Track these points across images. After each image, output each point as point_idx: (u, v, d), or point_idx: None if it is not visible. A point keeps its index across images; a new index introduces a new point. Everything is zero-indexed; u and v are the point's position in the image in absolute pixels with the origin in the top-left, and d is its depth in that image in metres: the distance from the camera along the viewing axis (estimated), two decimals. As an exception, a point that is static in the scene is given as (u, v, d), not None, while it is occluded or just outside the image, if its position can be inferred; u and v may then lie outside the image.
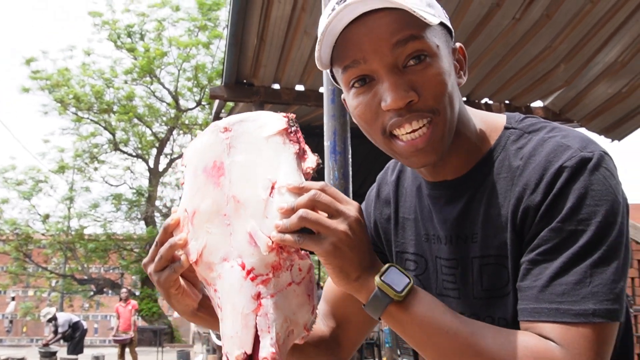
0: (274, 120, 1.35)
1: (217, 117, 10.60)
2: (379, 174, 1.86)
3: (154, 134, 33.35)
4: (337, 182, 4.07)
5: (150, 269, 1.36)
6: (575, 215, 1.25)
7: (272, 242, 1.21)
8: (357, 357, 8.08)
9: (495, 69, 8.38)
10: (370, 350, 13.56)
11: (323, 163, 1.72)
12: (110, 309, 34.83)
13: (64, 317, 19.14)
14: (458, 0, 6.86)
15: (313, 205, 1.22)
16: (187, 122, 32.44)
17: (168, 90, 32.21)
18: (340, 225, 1.22)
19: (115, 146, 32.83)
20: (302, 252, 1.28)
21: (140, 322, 27.52)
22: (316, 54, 1.40)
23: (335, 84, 1.51)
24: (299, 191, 1.25)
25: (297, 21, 7.05)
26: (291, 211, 1.22)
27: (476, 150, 1.49)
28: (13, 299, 53.58)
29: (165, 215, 32.66)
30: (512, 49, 7.94)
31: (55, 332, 18.66)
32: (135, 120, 32.21)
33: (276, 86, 8.59)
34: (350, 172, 4.09)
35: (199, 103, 31.86)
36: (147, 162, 33.95)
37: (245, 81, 8.35)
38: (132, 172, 34.43)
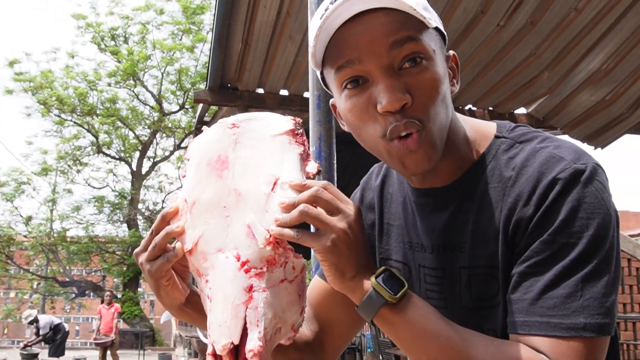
0: (281, 121, 1.37)
1: (200, 120, 10.58)
2: (363, 178, 1.83)
3: (137, 137, 33.30)
4: (322, 187, 3.97)
5: (142, 258, 1.33)
6: (568, 228, 1.23)
7: (270, 236, 1.21)
8: (339, 362, 8.07)
9: (480, 75, 8.39)
10: (352, 355, 13.58)
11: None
12: (92, 311, 34.72)
13: (45, 319, 19.08)
14: (443, 7, 6.87)
15: (314, 201, 1.23)
16: (170, 125, 32.40)
17: (151, 93, 32.17)
18: (339, 223, 1.23)
19: (98, 149, 32.73)
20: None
21: (122, 325, 27.42)
22: (310, 51, 1.37)
23: (324, 86, 1.47)
24: (301, 188, 1.25)
25: (282, 26, 7.04)
26: (292, 207, 1.22)
27: (465, 158, 1.46)
28: (-6, 301, 53.26)
29: (148, 218, 32.61)
30: (496, 55, 7.95)
31: (37, 334, 18.62)
32: (119, 123, 32.13)
33: (260, 90, 8.54)
34: (336, 177, 4.08)
35: (182, 106, 31.80)
36: (130, 165, 33.88)
37: (229, 85, 8.31)
38: (114, 174, 34.38)
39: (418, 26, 1.29)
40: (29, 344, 18.74)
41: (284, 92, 8.60)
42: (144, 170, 33.77)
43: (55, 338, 18.90)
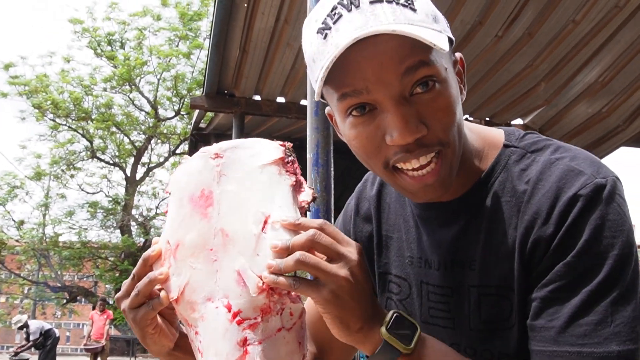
0: (269, 149, 1.25)
1: (196, 126, 10.59)
2: (357, 186, 1.73)
3: (132, 143, 33.18)
4: (319, 194, 4.01)
5: (125, 305, 1.23)
6: (592, 249, 1.15)
7: (263, 283, 1.11)
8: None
9: (477, 86, 8.40)
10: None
11: (305, 176, 1.62)
12: (83, 317, 34.66)
13: (35, 325, 18.96)
14: (441, 17, 6.88)
15: (311, 246, 1.11)
16: (165, 131, 32.33)
17: (147, 99, 32.06)
18: (341, 270, 1.11)
19: (93, 154, 32.61)
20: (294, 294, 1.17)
21: (113, 332, 27.33)
22: (317, 77, 1.20)
23: (320, 99, 1.32)
24: (295, 228, 1.15)
25: (280, 33, 7.04)
26: (286, 250, 1.11)
27: (473, 170, 1.38)
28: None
29: (142, 225, 32.54)
30: (494, 66, 7.97)
31: (27, 340, 18.52)
32: (114, 129, 32.02)
33: (257, 97, 8.54)
34: (333, 185, 4.07)
35: (177, 112, 31.71)
36: (124, 170, 33.75)
37: (226, 92, 8.32)
38: (108, 180, 34.19)
39: (429, 46, 1.13)
40: (20, 350, 18.66)
41: (280, 100, 8.61)
42: (138, 176, 33.64)
43: (46, 344, 18.78)
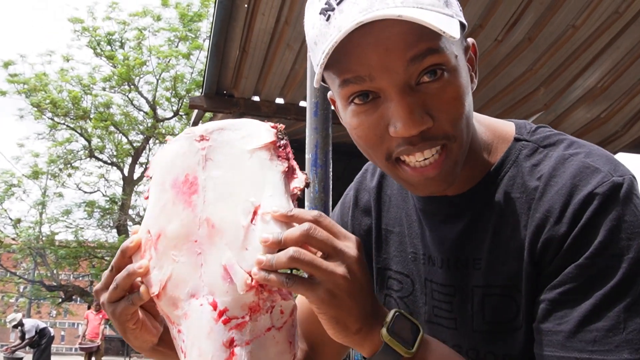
0: (260, 131, 1.15)
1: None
2: (356, 176, 1.64)
3: (130, 143, 33.10)
4: (317, 195, 4.02)
5: (104, 297, 1.16)
6: (607, 250, 1.08)
7: (252, 280, 1.02)
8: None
9: (476, 89, 8.35)
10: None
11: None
12: (78, 316, 34.59)
13: (30, 323, 18.95)
14: (442, 20, 6.87)
15: (305, 241, 1.03)
16: (163, 131, 32.28)
17: (146, 99, 31.99)
18: (338, 268, 1.02)
19: (91, 153, 32.53)
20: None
21: (108, 331, 27.27)
22: (316, 61, 1.16)
23: (322, 83, 1.25)
24: (288, 220, 1.06)
25: (280, 34, 7.02)
26: (277, 244, 1.03)
27: (482, 163, 1.31)
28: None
29: (138, 224, 32.43)
30: (493, 70, 7.95)
31: (22, 338, 18.50)
32: (112, 128, 31.97)
33: (256, 98, 8.51)
34: (331, 186, 4.06)
35: (176, 113, 31.65)
36: (122, 170, 33.67)
37: (225, 92, 8.28)
38: (106, 179, 34.12)
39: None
40: (15, 348, 18.62)
41: (279, 101, 8.58)
42: (135, 175, 33.57)
43: (41, 342, 18.76)
